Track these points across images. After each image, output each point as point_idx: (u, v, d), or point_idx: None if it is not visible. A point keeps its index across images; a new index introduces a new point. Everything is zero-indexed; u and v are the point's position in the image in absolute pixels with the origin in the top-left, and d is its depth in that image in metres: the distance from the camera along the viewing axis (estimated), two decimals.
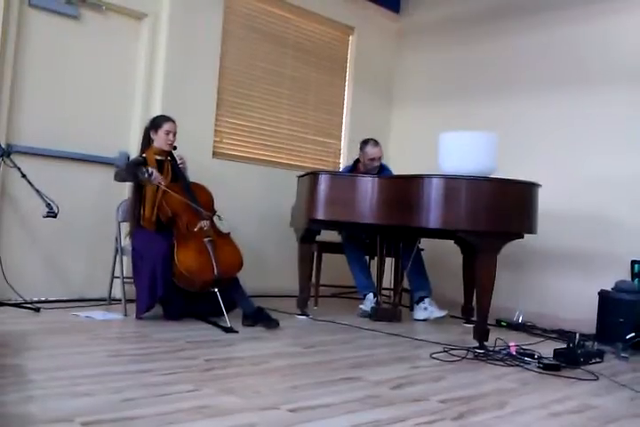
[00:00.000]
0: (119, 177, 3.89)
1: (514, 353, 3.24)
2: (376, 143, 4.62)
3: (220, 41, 4.96)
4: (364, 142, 4.66)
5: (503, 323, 4.38)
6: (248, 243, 4.39)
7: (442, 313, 4.36)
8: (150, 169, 3.73)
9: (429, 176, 3.63)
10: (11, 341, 2.90)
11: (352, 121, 5.95)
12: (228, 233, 3.99)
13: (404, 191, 3.74)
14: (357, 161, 4.78)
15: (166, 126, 3.92)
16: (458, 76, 5.69)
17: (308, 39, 5.67)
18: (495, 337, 3.47)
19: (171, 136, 3.94)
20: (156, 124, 3.95)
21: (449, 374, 2.84)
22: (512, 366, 3.11)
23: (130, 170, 3.77)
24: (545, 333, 4.20)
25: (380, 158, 4.64)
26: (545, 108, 5.01)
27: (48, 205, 3.51)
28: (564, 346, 3.31)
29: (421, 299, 4.49)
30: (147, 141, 3.99)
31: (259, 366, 2.76)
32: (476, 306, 3.68)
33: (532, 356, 3.19)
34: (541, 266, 4.88)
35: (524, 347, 3.36)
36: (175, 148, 3.98)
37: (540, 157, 4.93)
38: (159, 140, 3.93)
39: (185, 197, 3.81)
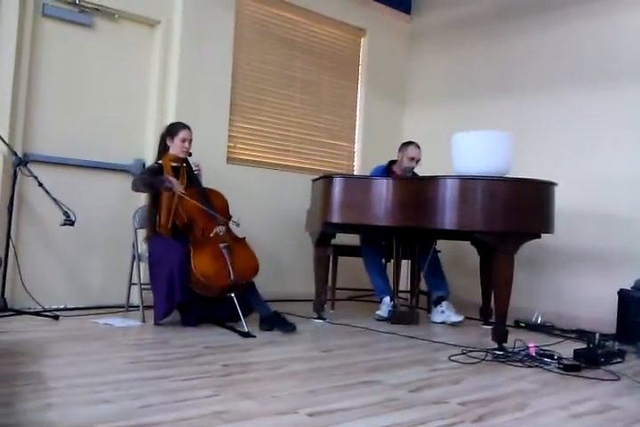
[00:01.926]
0: (136, 187, 3.89)
1: (533, 354, 3.21)
2: (418, 146, 4.68)
3: (232, 46, 4.98)
4: (407, 143, 4.71)
5: (522, 324, 4.34)
6: (263, 247, 4.40)
7: (458, 318, 4.34)
8: (170, 178, 3.74)
9: (444, 177, 3.61)
10: (30, 349, 2.92)
11: (365, 123, 5.94)
12: (244, 238, 3.99)
13: (419, 193, 3.72)
14: (391, 163, 4.78)
15: (182, 134, 3.94)
16: (470, 76, 5.67)
17: (319, 42, 5.68)
18: (514, 338, 3.45)
19: (187, 144, 3.95)
20: (172, 131, 3.97)
21: (468, 377, 2.82)
22: (532, 367, 3.08)
23: (148, 182, 3.78)
24: (564, 333, 4.16)
25: (418, 161, 4.66)
26: (559, 107, 4.97)
27: (65, 213, 3.54)
28: (584, 346, 3.28)
29: (439, 300, 4.48)
30: (162, 148, 4.00)
31: (276, 371, 2.76)
32: (494, 307, 3.65)
33: (551, 357, 3.16)
34: (558, 265, 4.84)
35: (543, 348, 3.33)
36: (190, 154, 3.99)
37: (554, 155, 4.90)
38: (175, 147, 3.94)
39: (200, 203, 3.82)
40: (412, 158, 4.62)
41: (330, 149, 5.77)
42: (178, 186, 3.75)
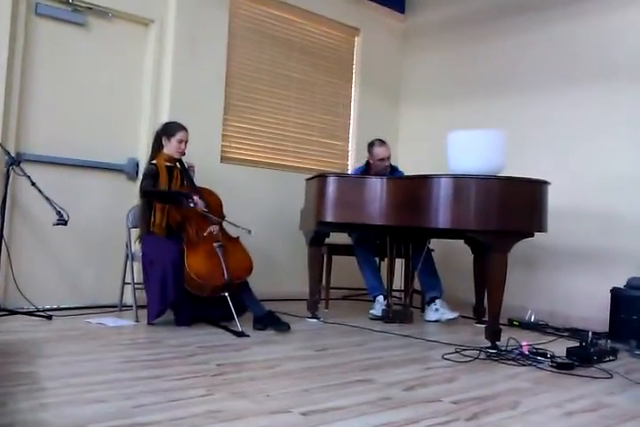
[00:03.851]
0: (148, 199, 3.84)
1: (526, 352, 3.23)
2: (382, 143, 4.65)
3: (226, 45, 4.97)
4: (371, 144, 4.68)
5: (515, 322, 4.35)
6: (257, 246, 4.39)
7: (453, 315, 4.35)
8: (196, 198, 3.72)
9: (438, 176, 3.61)
10: (24, 349, 2.92)
11: (359, 122, 5.94)
12: (237, 237, 3.99)
13: (412, 192, 3.72)
14: (369, 162, 4.78)
15: (180, 135, 3.92)
16: (464, 75, 5.67)
17: (313, 41, 5.67)
18: (507, 337, 3.46)
19: (183, 145, 3.93)
20: (169, 131, 3.94)
21: (461, 375, 2.82)
22: (525, 365, 3.09)
23: (166, 197, 3.79)
24: (557, 331, 4.18)
25: (388, 158, 4.64)
26: (553, 106, 4.98)
27: (58, 212, 3.53)
28: (577, 345, 3.30)
29: (433, 300, 4.48)
30: (157, 146, 3.98)
31: (270, 370, 2.76)
32: (487, 306, 3.66)
33: (544, 355, 3.18)
34: (552, 264, 4.85)
35: (536, 346, 3.35)
36: (184, 154, 3.98)
37: (549, 154, 4.91)
38: (171, 147, 3.93)
39: None
40: (382, 159, 4.61)
41: (324, 148, 5.77)
42: (201, 205, 3.75)
